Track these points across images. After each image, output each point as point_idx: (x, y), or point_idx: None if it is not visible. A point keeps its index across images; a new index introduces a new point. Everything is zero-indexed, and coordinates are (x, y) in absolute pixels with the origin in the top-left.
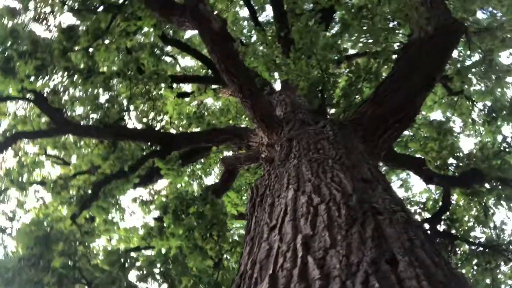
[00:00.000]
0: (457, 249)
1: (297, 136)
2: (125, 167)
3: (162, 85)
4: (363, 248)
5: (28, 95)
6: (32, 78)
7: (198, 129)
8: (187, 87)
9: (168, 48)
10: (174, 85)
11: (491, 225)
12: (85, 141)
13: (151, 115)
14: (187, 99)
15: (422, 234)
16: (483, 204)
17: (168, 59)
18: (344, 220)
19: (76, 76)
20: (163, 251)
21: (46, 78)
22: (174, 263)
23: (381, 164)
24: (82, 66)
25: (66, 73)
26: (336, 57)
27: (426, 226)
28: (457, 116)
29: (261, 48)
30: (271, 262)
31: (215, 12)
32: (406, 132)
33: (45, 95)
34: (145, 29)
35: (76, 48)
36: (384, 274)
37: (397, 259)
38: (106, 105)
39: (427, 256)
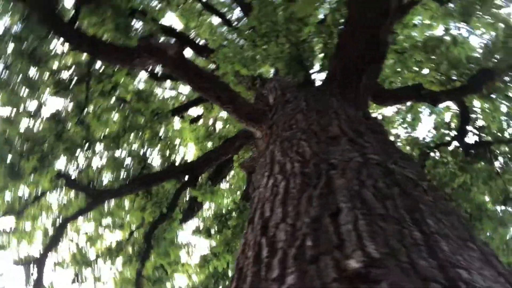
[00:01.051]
0: (497, 153)
1: (277, 120)
2: (163, 209)
3: (169, 120)
4: (310, 209)
5: (58, 182)
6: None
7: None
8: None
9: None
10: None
11: None
12: (123, 201)
13: (168, 151)
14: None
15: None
16: (506, 97)
17: (172, 92)
18: (298, 189)
19: (81, 150)
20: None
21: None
22: None
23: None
24: (80, 140)
25: (71, 152)
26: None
27: (455, 144)
28: (457, 22)
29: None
30: (240, 257)
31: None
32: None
33: (72, 176)
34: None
35: (68, 127)
36: (324, 229)
37: (341, 208)
38: (126, 161)
39: (377, 192)
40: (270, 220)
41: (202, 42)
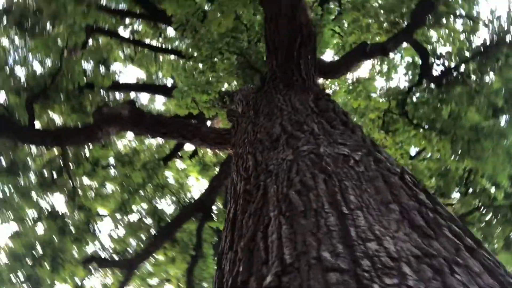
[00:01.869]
0: (468, 72)
1: (235, 137)
2: (191, 252)
3: (164, 168)
4: (247, 230)
5: (90, 267)
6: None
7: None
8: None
9: None
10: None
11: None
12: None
13: (178, 195)
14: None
15: None
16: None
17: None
18: (241, 210)
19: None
20: None
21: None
22: None
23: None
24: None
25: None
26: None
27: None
28: None
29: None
30: None
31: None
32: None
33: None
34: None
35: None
36: (257, 247)
37: (270, 218)
38: (141, 222)
39: (302, 187)
40: (223, 251)
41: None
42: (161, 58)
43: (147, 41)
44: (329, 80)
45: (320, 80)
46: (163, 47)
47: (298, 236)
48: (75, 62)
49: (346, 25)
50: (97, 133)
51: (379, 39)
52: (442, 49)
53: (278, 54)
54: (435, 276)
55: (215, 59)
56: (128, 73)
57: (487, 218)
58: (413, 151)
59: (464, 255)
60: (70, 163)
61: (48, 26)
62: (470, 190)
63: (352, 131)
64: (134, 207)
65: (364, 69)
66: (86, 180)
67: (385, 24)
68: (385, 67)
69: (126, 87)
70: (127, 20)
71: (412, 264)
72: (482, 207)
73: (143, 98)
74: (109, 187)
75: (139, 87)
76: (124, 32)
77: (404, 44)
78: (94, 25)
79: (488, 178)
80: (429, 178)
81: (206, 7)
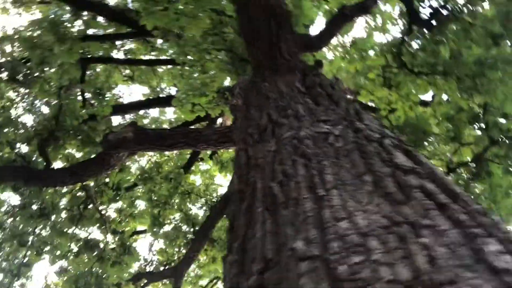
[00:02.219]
0: (458, 9)
1: (236, 126)
2: None
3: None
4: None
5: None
6: None
7: None
8: None
9: None
10: None
11: None
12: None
13: (205, 197)
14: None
15: None
16: None
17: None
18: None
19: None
20: None
21: None
22: None
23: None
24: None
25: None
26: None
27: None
28: None
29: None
30: None
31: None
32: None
33: None
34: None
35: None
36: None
37: (256, 218)
38: (178, 230)
39: (284, 177)
40: (226, 254)
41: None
42: (159, 70)
43: (142, 57)
44: (318, 51)
45: (309, 56)
46: (158, 59)
47: (280, 229)
48: (73, 98)
49: None
50: (109, 161)
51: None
52: None
53: (257, 42)
54: (399, 245)
55: (204, 61)
56: (133, 91)
57: (503, 152)
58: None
59: (434, 214)
60: (93, 194)
61: (40, 72)
62: (483, 126)
63: (336, 103)
64: (167, 219)
65: (359, 27)
66: (115, 204)
67: None
68: (379, 21)
69: (133, 107)
70: (118, 42)
71: (380, 236)
72: (497, 141)
73: (153, 112)
74: (140, 204)
75: (145, 104)
76: (118, 54)
77: None
78: (88, 56)
79: (497, 110)
80: (438, 124)
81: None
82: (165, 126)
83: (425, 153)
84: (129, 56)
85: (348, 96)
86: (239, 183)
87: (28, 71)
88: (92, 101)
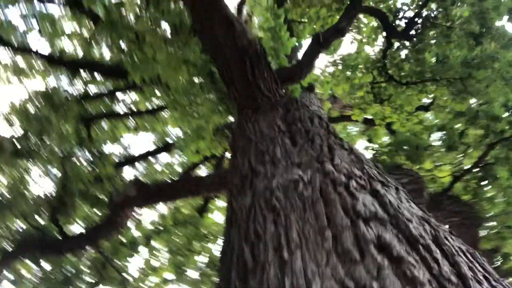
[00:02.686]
0: (433, 16)
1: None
2: None
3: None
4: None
5: None
6: None
7: None
8: None
9: None
10: None
11: None
12: None
13: None
14: None
15: None
16: None
17: None
18: None
19: None
20: None
21: None
22: None
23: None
24: None
25: None
26: None
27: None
28: None
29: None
30: None
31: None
32: None
33: None
34: None
35: None
36: None
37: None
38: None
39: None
40: None
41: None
42: (162, 114)
43: (144, 106)
44: (299, 82)
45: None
46: (160, 106)
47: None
48: (77, 164)
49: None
50: (117, 221)
51: (333, 20)
52: (397, 4)
53: (236, 84)
54: None
55: (195, 105)
56: (141, 139)
57: (503, 154)
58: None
59: (386, 273)
60: (109, 255)
61: (41, 143)
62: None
63: (312, 141)
64: (191, 265)
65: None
66: (134, 260)
67: (333, 6)
68: (365, 34)
69: (141, 157)
70: (119, 95)
71: None
72: (495, 144)
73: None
74: (161, 255)
75: (153, 152)
76: (119, 107)
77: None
78: (90, 115)
79: (489, 112)
80: (430, 136)
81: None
82: (178, 168)
83: (427, 165)
84: (131, 107)
85: (323, 132)
86: (223, 243)
87: (29, 144)
88: (94, 162)
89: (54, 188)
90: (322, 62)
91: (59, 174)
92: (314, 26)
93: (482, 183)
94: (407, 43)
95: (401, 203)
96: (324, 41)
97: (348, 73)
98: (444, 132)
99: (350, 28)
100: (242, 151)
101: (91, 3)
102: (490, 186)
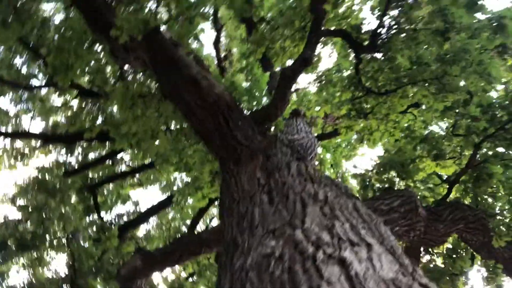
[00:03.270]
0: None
1: None
2: None
3: None
4: None
5: None
6: None
7: None
8: None
9: None
10: None
11: None
12: None
13: None
14: None
15: None
16: None
17: None
18: None
19: None
20: None
21: None
22: None
23: None
24: None
25: None
26: None
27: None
28: None
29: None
30: None
31: None
32: None
33: None
34: None
35: None
36: None
37: None
38: None
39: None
40: None
41: None
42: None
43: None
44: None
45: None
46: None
47: None
48: (81, 245)
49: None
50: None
51: (299, 49)
52: (354, 20)
53: (212, 138)
54: None
55: (185, 158)
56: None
57: (491, 152)
58: None
59: None
60: None
61: (44, 230)
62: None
63: (287, 197)
64: None
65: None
66: None
67: (296, 36)
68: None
69: (148, 213)
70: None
71: None
72: (480, 144)
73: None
74: None
75: (159, 205)
76: (120, 167)
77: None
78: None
79: (469, 108)
80: (414, 148)
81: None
82: (189, 211)
83: (421, 176)
84: (131, 165)
85: (298, 182)
86: None
87: (32, 235)
88: (99, 239)
89: (65, 270)
90: (303, 81)
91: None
92: (283, 59)
93: (480, 181)
94: (377, 55)
95: (370, 268)
96: (292, 73)
97: (325, 94)
98: (428, 143)
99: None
100: (228, 211)
101: (75, 78)
102: (488, 184)
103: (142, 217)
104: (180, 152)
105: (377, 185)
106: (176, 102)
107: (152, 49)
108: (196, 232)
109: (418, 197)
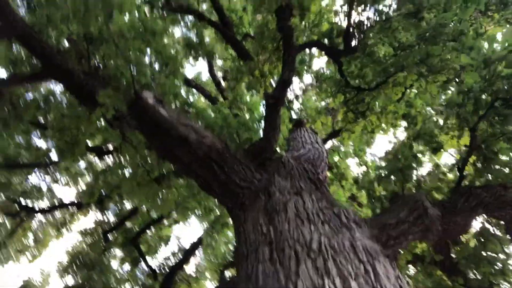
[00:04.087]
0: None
1: None
2: None
3: None
4: None
5: None
6: None
7: None
8: None
9: None
10: None
11: None
12: None
13: None
14: None
15: None
16: None
17: None
18: None
19: None
20: None
21: None
22: None
23: None
24: None
25: None
26: None
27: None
28: None
29: None
30: None
31: None
32: None
33: None
34: None
35: None
36: None
37: None
38: None
39: None
40: None
41: None
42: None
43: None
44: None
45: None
46: None
47: None
48: None
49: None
50: None
51: (279, 70)
52: (326, 26)
53: (212, 188)
54: None
55: (204, 200)
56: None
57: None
58: None
59: None
60: None
61: None
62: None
63: (283, 250)
64: None
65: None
66: None
67: (273, 57)
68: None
69: (194, 248)
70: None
71: None
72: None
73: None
74: None
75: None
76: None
77: None
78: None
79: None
80: (410, 147)
81: None
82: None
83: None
84: None
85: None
86: None
87: None
88: None
89: None
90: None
91: None
92: (266, 83)
93: (488, 160)
94: (354, 55)
95: None
96: (276, 100)
97: (318, 104)
98: (423, 138)
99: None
100: (238, 266)
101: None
102: (497, 161)
103: (188, 254)
104: (196, 197)
105: (383, 193)
106: (172, 162)
107: (137, 117)
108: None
109: (429, 194)
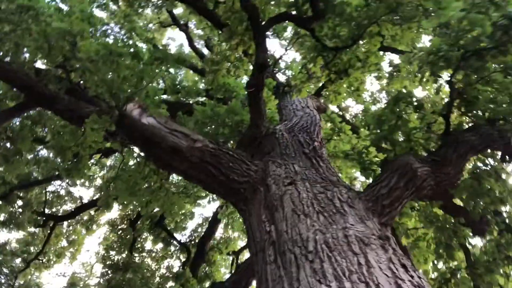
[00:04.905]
0: None
1: None
2: None
3: None
4: None
5: None
6: None
7: None
8: None
9: None
10: None
11: None
12: None
13: None
14: None
15: None
16: None
17: None
18: None
19: None
20: None
21: None
22: None
23: None
24: None
25: None
26: None
27: None
28: None
29: None
30: None
31: None
32: None
33: None
34: None
35: None
36: None
37: None
38: None
39: None
40: None
41: None
42: None
43: None
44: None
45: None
46: None
47: None
48: None
49: None
50: None
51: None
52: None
53: (215, 189)
54: None
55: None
56: None
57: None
58: None
59: None
60: None
61: None
62: None
63: (283, 253)
64: None
65: None
66: None
67: (246, 38)
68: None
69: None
70: None
71: None
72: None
73: None
74: None
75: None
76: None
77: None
78: None
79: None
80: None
81: None
82: None
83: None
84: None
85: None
86: None
87: None
88: None
89: None
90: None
91: None
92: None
93: (471, 103)
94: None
95: None
96: (255, 85)
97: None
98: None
99: None
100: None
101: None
102: (480, 103)
103: (212, 224)
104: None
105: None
106: (170, 171)
107: (128, 133)
108: None
109: (417, 148)
